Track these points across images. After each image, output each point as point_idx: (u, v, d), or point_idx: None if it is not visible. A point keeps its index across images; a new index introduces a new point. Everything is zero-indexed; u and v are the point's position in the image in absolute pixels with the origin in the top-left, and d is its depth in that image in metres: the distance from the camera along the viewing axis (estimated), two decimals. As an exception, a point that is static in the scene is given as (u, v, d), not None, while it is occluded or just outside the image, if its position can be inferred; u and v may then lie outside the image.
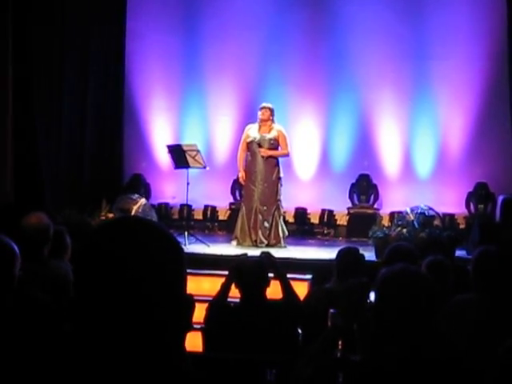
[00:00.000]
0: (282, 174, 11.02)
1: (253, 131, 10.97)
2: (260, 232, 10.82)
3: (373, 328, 3.02)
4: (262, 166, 10.88)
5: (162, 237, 1.60)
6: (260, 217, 10.84)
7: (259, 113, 10.95)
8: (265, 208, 10.86)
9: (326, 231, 13.37)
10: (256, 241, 10.78)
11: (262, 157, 10.84)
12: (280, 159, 11.06)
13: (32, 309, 3.81)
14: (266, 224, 10.85)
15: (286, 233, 11.17)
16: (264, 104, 11.01)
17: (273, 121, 10.97)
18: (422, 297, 2.79)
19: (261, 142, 10.85)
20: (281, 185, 11.00)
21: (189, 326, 1.66)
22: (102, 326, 1.53)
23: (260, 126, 10.94)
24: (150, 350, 1.55)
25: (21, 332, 3.65)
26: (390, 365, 2.75)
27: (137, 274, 1.52)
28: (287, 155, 11.19)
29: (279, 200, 10.99)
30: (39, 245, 5.05)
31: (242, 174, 11.03)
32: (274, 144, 10.90)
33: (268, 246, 10.51)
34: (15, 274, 3.95)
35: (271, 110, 10.92)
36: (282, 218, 11.14)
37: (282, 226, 11.02)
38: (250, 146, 10.95)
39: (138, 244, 1.55)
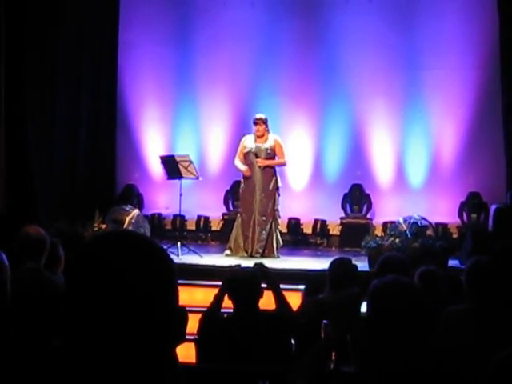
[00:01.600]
0: (280, 184, 11.02)
1: (249, 142, 10.98)
2: (256, 242, 10.81)
3: (365, 339, 3.02)
4: (260, 175, 10.88)
5: (153, 250, 1.60)
6: (258, 228, 10.83)
7: (254, 128, 10.94)
8: (263, 218, 10.85)
9: (318, 241, 13.36)
10: (251, 251, 10.76)
11: (259, 167, 10.84)
12: (277, 169, 11.07)
13: (24, 322, 3.79)
14: (264, 234, 10.84)
15: (281, 243, 11.14)
16: (257, 116, 10.98)
17: (268, 131, 10.98)
18: (414, 308, 2.79)
19: (257, 152, 10.86)
20: (278, 194, 11.00)
21: (181, 338, 1.66)
22: (92, 338, 1.52)
23: (256, 137, 10.95)
24: (142, 361, 1.54)
25: (13, 345, 3.63)
26: (383, 377, 2.75)
27: (128, 287, 1.52)
28: (284, 164, 11.22)
29: (277, 210, 10.98)
30: (36, 256, 5.05)
31: (245, 168, 10.95)
32: (271, 154, 10.91)
33: (262, 256, 10.50)
34: (7, 289, 3.93)
35: (265, 122, 10.91)
36: (278, 228, 11.12)
37: (277, 237, 11.01)
38: (246, 156, 10.96)
39: (129, 257, 1.55)
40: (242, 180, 11.12)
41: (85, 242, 1.64)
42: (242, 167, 10.97)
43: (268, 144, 10.91)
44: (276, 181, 10.95)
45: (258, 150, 10.87)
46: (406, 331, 2.75)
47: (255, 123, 10.94)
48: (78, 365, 1.54)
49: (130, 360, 1.53)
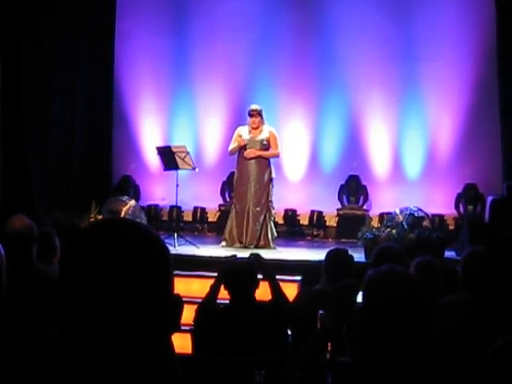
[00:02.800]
0: (274, 175, 11.00)
1: (244, 133, 10.93)
2: (250, 233, 10.80)
3: (361, 329, 3.02)
4: (254, 166, 10.85)
5: (148, 238, 1.59)
6: (252, 219, 10.81)
7: (250, 120, 10.88)
8: (257, 209, 10.83)
9: (315, 232, 13.37)
10: (245, 242, 10.76)
11: (249, 157, 10.79)
12: (272, 160, 11.04)
13: (19, 313, 3.78)
14: (257, 225, 10.83)
15: (275, 234, 11.13)
16: (252, 107, 10.93)
17: (263, 122, 10.95)
18: (409, 298, 2.79)
19: (252, 143, 10.83)
20: (272, 186, 10.97)
21: (176, 326, 1.65)
22: (87, 326, 1.52)
23: (251, 128, 10.91)
24: (137, 349, 1.54)
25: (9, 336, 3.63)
26: (378, 366, 2.75)
27: (123, 275, 1.52)
28: (277, 156, 11.18)
29: (271, 201, 10.96)
30: (27, 248, 5.00)
31: (239, 141, 10.82)
32: (266, 145, 10.87)
33: (257, 247, 10.48)
34: (3, 281, 3.92)
35: (260, 114, 10.86)
36: (272, 219, 11.11)
37: (271, 228, 11.00)
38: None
39: (124, 244, 1.55)
40: (236, 171, 11.11)
41: (80, 229, 1.64)
42: (236, 143, 10.91)
43: (263, 135, 10.88)
44: (270, 172, 10.92)
45: (253, 141, 10.84)
46: (402, 320, 2.75)
47: (250, 115, 10.89)
48: (73, 354, 1.54)
49: (124, 348, 1.52)
